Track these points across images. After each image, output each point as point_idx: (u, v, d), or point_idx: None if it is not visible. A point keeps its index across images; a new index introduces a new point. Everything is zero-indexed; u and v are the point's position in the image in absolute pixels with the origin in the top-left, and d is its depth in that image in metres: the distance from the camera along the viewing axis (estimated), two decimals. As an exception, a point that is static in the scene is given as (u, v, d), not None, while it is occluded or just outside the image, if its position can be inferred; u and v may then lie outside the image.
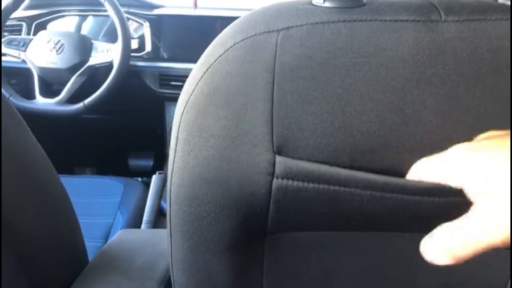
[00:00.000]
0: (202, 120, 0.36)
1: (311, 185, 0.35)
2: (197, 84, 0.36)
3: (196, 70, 0.37)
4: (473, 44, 0.33)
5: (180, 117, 0.37)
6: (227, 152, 0.35)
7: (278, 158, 0.35)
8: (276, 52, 0.33)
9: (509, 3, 0.36)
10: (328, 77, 0.33)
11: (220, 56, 0.35)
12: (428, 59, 0.33)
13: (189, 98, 0.36)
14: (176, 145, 0.38)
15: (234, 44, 0.34)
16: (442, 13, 0.34)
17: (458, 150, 0.30)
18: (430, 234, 0.30)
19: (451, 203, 0.32)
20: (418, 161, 0.34)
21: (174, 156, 0.38)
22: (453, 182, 0.30)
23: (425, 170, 0.33)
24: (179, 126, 0.37)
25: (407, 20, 0.33)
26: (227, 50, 0.35)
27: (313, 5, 0.35)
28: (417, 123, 0.34)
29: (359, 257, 0.44)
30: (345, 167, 0.35)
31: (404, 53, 0.33)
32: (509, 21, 0.33)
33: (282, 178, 0.35)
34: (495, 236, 0.26)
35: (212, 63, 0.35)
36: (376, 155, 0.35)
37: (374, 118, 0.34)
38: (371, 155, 0.35)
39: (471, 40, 0.33)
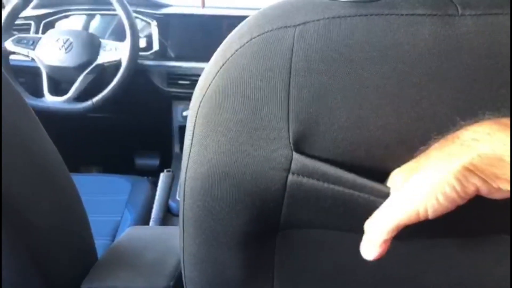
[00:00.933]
0: (218, 114, 0.36)
1: (326, 185, 0.36)
2: (214, 78, 0.36)
3: (212, 65, 0.37)
4: (490, 38, 0.33)
5: (196, 111, 0.37)
6: (243, 147, 0.36)
7: (296, 155, 0.35)
8: (293, 47, 0.33)
9: None
10: (344, 71, 0.33)
11: (236, 51, 0.35)
12: (445, 54, 0.33)
13: (206, 92, 0.36)
14: (192, 139, 0.38)
15: (251, 39, 0.35)
16: (459, 7, 0.34)
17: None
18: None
19: None
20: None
21: (190, 151, 0.38)
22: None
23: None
24: (195, 121, 0.37)
25: (423, 15, 0.33)
26: (243, 45, 0.35)
27: None
28: (433, 117, 0.34)
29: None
30: (361, 163, 0.35)
31: (421, 47, 0.33)
32: None
33: (298, 175, 0.36)
34: (400, 214, 0.32)
35: (229, 58, 0.35)
36: (392, 149, 0.35)
37: (390, 113, 0.34)
38: (387, 149, 0.35)
39: (488, 34, 0.33)
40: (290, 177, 0.36)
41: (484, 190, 0.30)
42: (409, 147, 0.35)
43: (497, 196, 0.31)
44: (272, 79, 0.34)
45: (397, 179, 0.35)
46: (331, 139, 0.35)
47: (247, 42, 0.35)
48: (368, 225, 0.34)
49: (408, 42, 0.33)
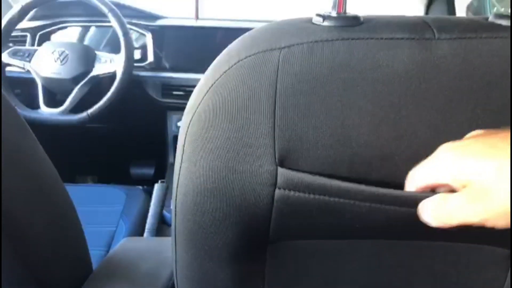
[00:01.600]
0: (207, 132, 0.37)
1: (311, 196, 0.37)
2: (203, 98, 0.37)
3: (201, 85, 0.39)
4: (465, 61, 0.35)
5: (186, 129, 0.39)
6: (231, 163, 0.37)
7: (280, 170, 0.37)
8: (278, 68, 0.35)
9: (499, 22, 0.37)
10: (327, 92, 0.35)
11: (225, 72, 0.37)
12: (423, 75, 0.35)
13: (195, 111, 0.38)
14: (182, 156, 0.39)
15: (238, 61, 0.36)
16: (435, 31, 0.35)
17: (443, 149, 0.33)
18: (429, 198, 0.34)
19: None
20: (410, 171, 0.35)
21: (180, 167, 0.39)
22: (442, 179, 0.33)
23: (419, 176, 0.35)
24: (185, 138, 0.39)
25: (402, 38, 0.35)
26: (231, 67, 0.36)
27: (313, 23, 0.37)
28: (412, 136, 0.36)
29: (358, 264, 0.45)
30: (344, 178, 0.37)
31: (400, 69, 0.35)
32: (498, 39, 0.35)
33: (284, 189, 0.37)
34: (471, 218, 0.30)
35: (218, 78, 0.37)
36: (374, 166, 0.37)
37: (371, 131, 0.36)
38: (369, 166, 0.37)
39: (463, 57, 0.35)
40: (277, 191, 0.37)
41: None
42: (390, 164, 0.36)
43: None
44: (259, 99, 0.36)
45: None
46: (315, 156, 0.36)
47: (235, 64, 0.36)
48: (435, 209, 0.33)
49: (388, 65, 0.35)
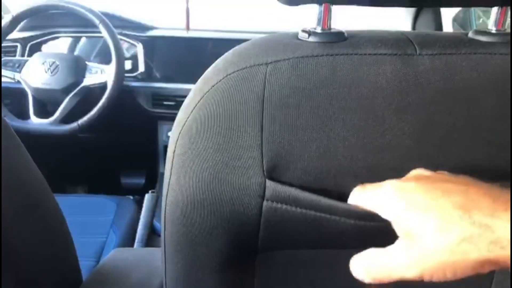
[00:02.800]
0: (196, 144, 0.38)
1: (298, 209, 0.38)
2: (192, 111, 0.38)
3: (190, 99, 0.40)
4: (446, 76, 0.36)
5: (176, 141, 0.39)
6: (220, 175, 0.38)
7: (268, 182, 0.37)
8: (265, 83, 0.36)
9: (478, 38, 0.39)
10: (313, 106, 0.36)
11: (213, 86, 0.37)
12: (405, 90, 0.36)
13: (184, 123, 0.39)
14: (171, 168, 0.40)
15: (226, 76, 0.37)
16: (417, 47, 0.37)
17: (388, 186, 0.34)
18: (360, 253, 0.34)
19: None
20: (357, 186, 0.37)
21: (170, 178, 0.40)
22: (382, 213, 0.33)
23: (361, 197, 0.36)
24: (174, 150, 0.39)
25: (385, 54, 0.36)
26: (219, 81, 0.37)
27: (299, 39, 0.38)
28: (396, 147, 0.37)
29: (347, 273, 0.46)
30: (330, 190, 0.38)
31: (383, 84, 0.36)
32: (478, 55, 0.36)
33: (272, 201, 0.38)
34: (407, 272, 0.30)
35: (206, 93, 0.38)
36: (359, 177, 0.38)
37: (356, 143, 0.37)
38: (355, 178, 0.38)
39: (444, 72, 0.36)
40: (265, 203, 0.38)
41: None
42: (375, 175, 0.37)
43: None
44: (246, 112, 0.36)
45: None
46: (302, 167, 0.37)
47: (223, 78, 0.37)
48: (357, 266, 0.34)
49: (371, 80, 0.36)
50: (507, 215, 0.28)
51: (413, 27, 1.35)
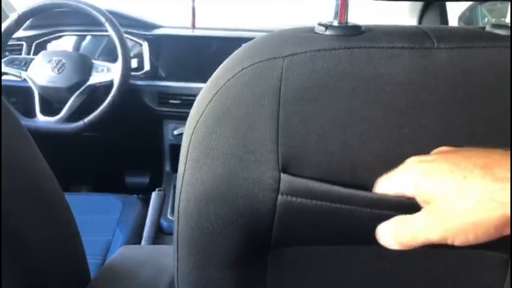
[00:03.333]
0: (211, 139, 0.38)
1: (313, 202, 0.37)
2: (207, 106, 0.38)
3: (205, 93, 0.39)
4: (463, 69, 0.36)
5: (190, 137, 0.39)
6: (234, 170, 0.37)
7: (283, 176, 0.37)
8: (281, 77, 0.36)
9: (496, 31, 0.38)
10: (330, 99, 0.36)
11: (228, 80, 0.37)
12: (422, 83, 0.36)
13: (199, 119, 0.38)
14: (185, 163, 0.40)
15: (242, 69, 0.37)
16: (434, 41, 0.36)
17: (410, 162, 0.34)
18: (387, 221, 0.34)
19: None
20: (379, 179, 0.36)
21: (184, 174, 0.40)
22: (407, 192, 0.33)
23: (387, 185, 0.36)
24: (188, 146, 0.39)
25: (402, 47, 0.36)
26: (235, 75, 0.37)
27: (315, 33, 0.38)
28: (413, 142, 0.37)
29: (359, 270, 0.46)
30: (346, 183, 0.37)
31: (400, 77, 0.35)
32: (496, 49, 0.36)
33: (287, 195, 0.38)
34: (430, 234, 0.31)
35: (221, 86, 0.37)
36: (376, 172, 0.37)
37: (373, 137, 0.36)
38: (371, 172, 0.37)
39: (461, 65, 0.36)
40: (279, 197, 0.38)
41: None
42: (392, 169, 0.37)
43: None
44: (263, 107, 0.36)
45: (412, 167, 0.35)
46: (318, 162, 0.37)
47: (238, 72, 0.37)
48: (387, 234, 0.34)
49: (389, 73, 0.35)
50: None
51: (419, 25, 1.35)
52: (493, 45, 0.36)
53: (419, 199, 0.32)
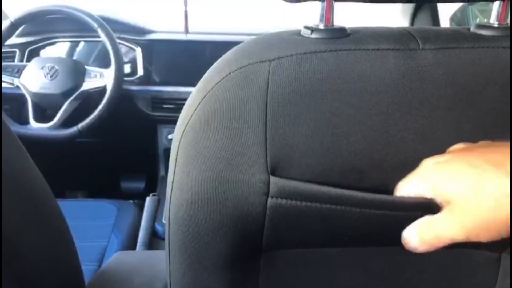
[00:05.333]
0: (199, 143, 0.38)
1: (303, 203, 0.38)
2: (195, 110, 0.38)
3: (193, 97, 0.39)
4: (449, 69, 0.36)
5: (179, 141, 0.39)
6: (223, 173, 0.38)
7: (272, 178, 0.37)
8: (268, 80, 0.36)
9: (480, 32, 0.39)
10: (316, 102, 0.36)
11: (216, 84, 0.37)
12: (409, 84, 0.36)
13: (187, 123, 0.38)
14: (175, 168, 0.40)
15: (230, 73, 0.37)
16: (419, 42, 0.37)
17: (427, 164, 0.35)
18: (413, 223, 0.35)
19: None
20: (399, 183, 0.37)
21: (173, 178, 0.40)
22: (427, 194, 0.34)
23: (406, 188, 0.36)
24: (177, 150, 0.39)
25: (388, 49, 0.36)
26: (223, 79, 0.37)
27: (301, 36, 0.38)
28: (401, 142, 0.37)
29: (352, 272, 0.46)
30: (335, 185, 0.38)
31: (386, 79, 0.36)
32: (480, 49, 0.36)
33: (276, 198, 0.38)
34: (455, 235, 0.31)
35: (209, 90, 0.38)
36: (364, 173, 0.37)
37: (361, 139, 0.37)
38: (359, 173, 0.37)
39: (447, 66, 0.36)
40: (269, 200, 0.38)
41: None
42: (380, 170, 0.37)
43: None
44: (250, 110, 0.36)
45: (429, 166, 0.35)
46: (306, 164, 0.37)
47: (226, 76, 0.37)
48: (414, 235, 0.35)
49: (375, 75, 0.36)
50: None
51: (411, 26, 1.36)
52: (477, 46, 0.37)
53: (439, 200, 0.33)
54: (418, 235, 0.34)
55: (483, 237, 0.30)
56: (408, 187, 0.36)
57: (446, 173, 0.33)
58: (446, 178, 0.32)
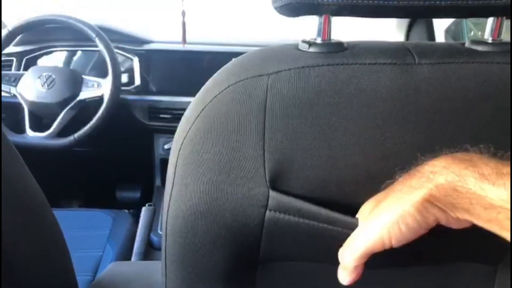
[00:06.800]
0: (198, 155, 0.38)
1: (301, 220, 0.38)
2: (194, 122, 0.38)
3: (192, 110, 0.40)
4: (444, 84, 0.37)
5: (178, 153, 0.39)
6: (222, 186, 0.38)
7: (272, 192, 0.37)
8: (267, 93, 0.36)
9: (475, 47, 0.39)
10: (314, 115, 0.36)
11: (215, 97, 0.38)
12: (405, 98, 0.36)
13: (186, 135, 0.39)
14: (173, 179, 0.40)
15: (228, 86, 0.37)
16: (415, 57, 0.37)
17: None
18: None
19: None
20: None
21: (171, 190, 0.40)
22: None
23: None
24: (176, 162, 0.40)
25: (384, 63, 0.37)
26: (221, 92, 0.37)
27: (299, 50, 0.39)
28: (397, 156, 0.37)
29: (348, 286, 0.46)
30: (332, 198, 0.38)
31: (383, 93, 0.36)
32: (475, 64, 0.37)
33: (275, 211, 0.38)
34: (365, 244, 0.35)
35: (208, 103, 0.38)
36: (361, 185, 0.38)
37: (358, 152, 0.37)
38: (356, 186, 0.38)
39: (442, 81, 0.37)
40: (267, 213, 0.38)
41: (443, 220, 0.33)
42: (377, 182, 0.38)
43: (456, 225, 0.34)
44: (249, 123, 0.37)
45: (365, 209, 0.38)
46: (304, 177, 0.37)
47: (225, 89, 0.38)
48: (341, 253, 0.37)
49: (371, 88, 0.36)
50: None
51: (406, 39, 1.37)
52: (472, 61, 0.37)
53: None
54: (345, 249, 0.37)
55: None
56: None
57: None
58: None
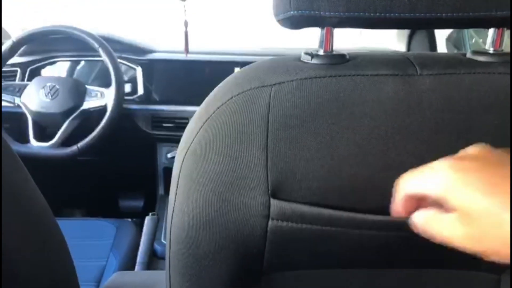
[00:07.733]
0: (201, 166, 0.38)
1: (304, 225, 0.38)
2: (197, 133, 0.39)
3: (195, 120, 0.40)
4: (446, 95, 0.37)
5: (181, 163, 0.40)
6: (225, 196, 0.38)
7: (273, 201, 0.38)
8: (269, 104, 0.37)
9: (476, 58, 0.40)
10: (316, 126, 0.36)
11: (218, 108, 0.38)
12: (407, 109, 0.37)
13: (190, 145, 0.39)
14: (176, 190, 0.40)
15: (232, 97, 0.38)
16: (417, 68, 0.38)
17: (443, 166, 0.34)
18: (423, 211, 0.34)
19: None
20: (400, 178, 0.36)
21: (175, 200, 0.40)
22: (434, 192, 0.33)
23: (410, 182, 0.35)
24: (179, 172, 0.40)
25: (386, 75, 0.37)
26: (225, 103, 0.38)
27: (301, 61, 0.39)
28: (400, 166, 0.37)
29: None
30: (334, 207, 0.38)
31: (385, 104, 0.36)
32: (476, 75, 0.37)
33: (277, 220, 0.38)
34: (469, 246, 0.32)
35: (211, 114, 0.38)
36: (363, 196, 0.38)
37: (360, 162, 0.37)
38: (359, 196, 0.38)
39: (444, 91, 0.37)
40: (270, 223, 0.38)
41: None
42: (379, 193, 0.38)
43: None
44: (252, 133, 0.37)
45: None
46: (307, 187, 0.38)
47: (228, 100, 0.38)
48: (427, 224, 0.35)
49: (374, 99, 0.36)
50: None
51: (408, 47, 1.38)
52: (473, 72, 0.37)
53: (451, 203, 0.33)
54: (423, 225, 0.34)
55: (503, 255, 0.31)
56: (414, 182, 0.35)
57: (463, 182, 0.32)
58: (462, 187, 0.32)
